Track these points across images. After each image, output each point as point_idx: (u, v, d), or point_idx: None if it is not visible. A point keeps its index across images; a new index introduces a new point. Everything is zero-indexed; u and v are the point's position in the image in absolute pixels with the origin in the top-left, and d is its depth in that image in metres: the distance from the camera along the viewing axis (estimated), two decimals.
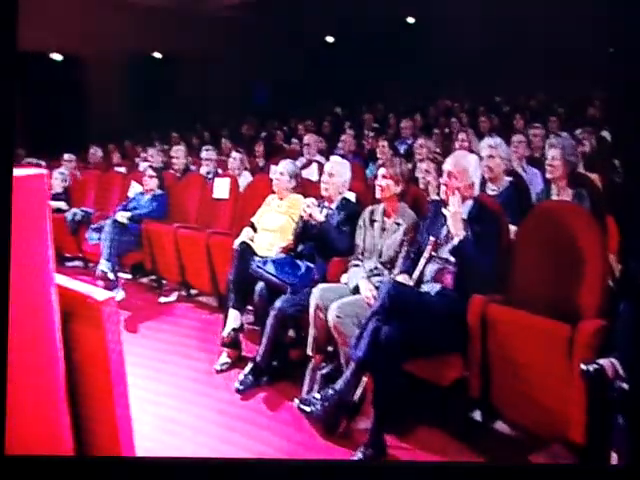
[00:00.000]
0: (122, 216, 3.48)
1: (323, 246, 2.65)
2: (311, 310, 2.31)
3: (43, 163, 4.16)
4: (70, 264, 4.13)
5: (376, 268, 2.45)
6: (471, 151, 2.89)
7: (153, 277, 3.68)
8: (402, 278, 2.24)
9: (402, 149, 4.78)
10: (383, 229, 2.53)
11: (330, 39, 10.90)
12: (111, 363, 1.84)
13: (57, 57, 6.83)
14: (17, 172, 1.87)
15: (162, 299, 3.46)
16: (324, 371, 2.30)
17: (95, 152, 5.23)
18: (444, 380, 2.09)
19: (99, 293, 1.83)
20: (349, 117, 7.01)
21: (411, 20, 9.56)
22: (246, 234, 2.93)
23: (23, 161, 4.37)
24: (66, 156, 4.66)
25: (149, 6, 7.03)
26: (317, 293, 2.33)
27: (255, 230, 2.99)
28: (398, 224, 2.49)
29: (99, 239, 3.42)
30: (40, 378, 1.80)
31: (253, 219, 3.04)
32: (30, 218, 1.74)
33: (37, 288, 1.78)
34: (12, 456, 1.83)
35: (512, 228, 2.36)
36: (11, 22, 2.20)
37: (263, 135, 5.93)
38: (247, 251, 2.73)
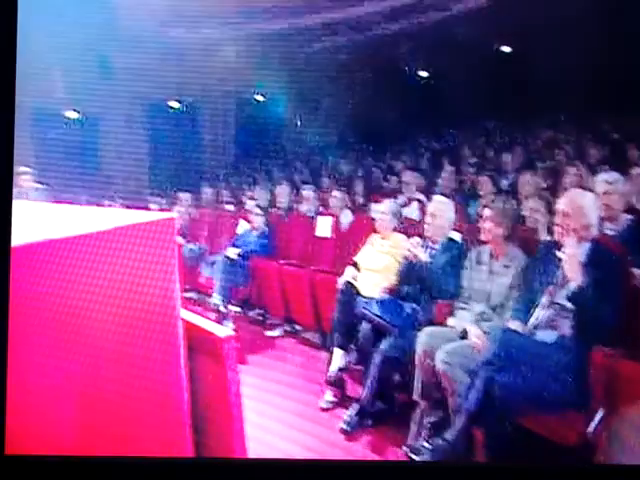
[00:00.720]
0: (232, 252, 3.73)
1: (428, 287, 2.65)
2: (417, 354, 2.30)
3: (164, 201, 4.61)
4: (186, 295, 4.46)
5: (485, 312, 2.39)
6: (583, 187, 2.76)
7: (260, 311, 3.86)
8: (515, 325, 2.17)
9: (505, 185, 4.66)
10: (491, 272, 2.47)
11: (424, 73, 10.96)
12: (229, 396, 1.97)
13: (175, 105, 7.53)
14: (148, 215, 2.09)
15: (268, 333, 3.62)
16: (432, 419, 2.26)
17: (206, 191, 5.68)
18: (563, 439, 1.96)
19: (220, 330, 1.98)
20: (447, 152, 6.96)
21: (507, 49, 9.37)
22: (350, 273, 2.99)
23: (149, 199, 4.81)
24: (181, 195, 5.10)
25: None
26: (423, 337, 2.32)
27: (358, 269, 3.05)
28: (507, 267, 2.42)
29: (212, 273, 3.68)
30: (166, 402, 1.96)
31: (356, 258, 3.11)
32: (160, 258, 1.93)
33: (165, 321, 1.96)
34: (12, 456, 1.95)
35: (636, 272, 2.21)
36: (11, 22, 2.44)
37: (361, 173, 6.07)
38: (351, 291, 2.79)
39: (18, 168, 4.57)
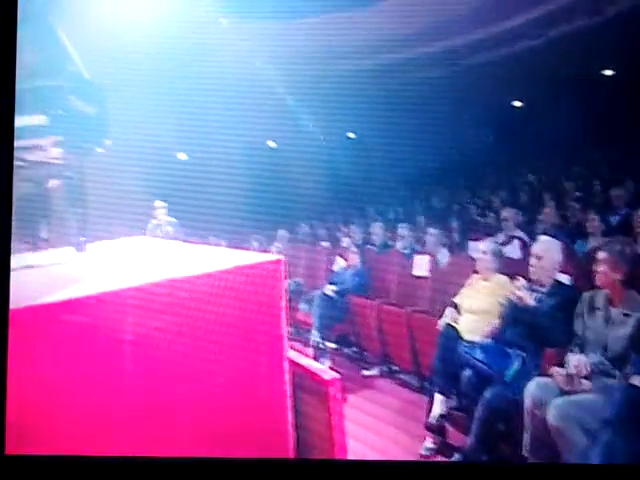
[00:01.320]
0: (329, 289, 3.82)
1: (535, 334, 2.53)
2: (526, 406, 2.19)
3: (263, 238, 4.86)
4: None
5: (602, 364, 2.23)
6: None
7: (356, 349, 3.89)
8: (638, 381, 2.00)
9: (615, 222, 4.35)
10: (608, 319, 2.31)
11: (518, 103, 10.62)
12: (333, 437, 2.00)
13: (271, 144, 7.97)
14: (256, 256, 2.22)
15: (365, 372, 3.63)
16: None
17: (302, 228, 5.90)
18: None
19: (326, 373, 2.03)
20: (547, 186, 6.65)
21: (609, 72, 8.84)
22: (450, 315, 2.94)
23: (251, 236, 5.09)
24: (280, 232, 5.34)
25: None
26: (532, 387, 2.21)
27: (459, 311, 2.99)
28: (627, 315, 2.25)
29: (309, 309, 3.79)
30: (271, 438, 2.03)
31: (456, 300, 3.05)
32: (268, 299, 2.04)
33: (272, 361, 2.05)
34: (12, 456, 1.99)
35: None
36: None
37: (456, 209, 5.97)
38: (452, 334, 2.73)
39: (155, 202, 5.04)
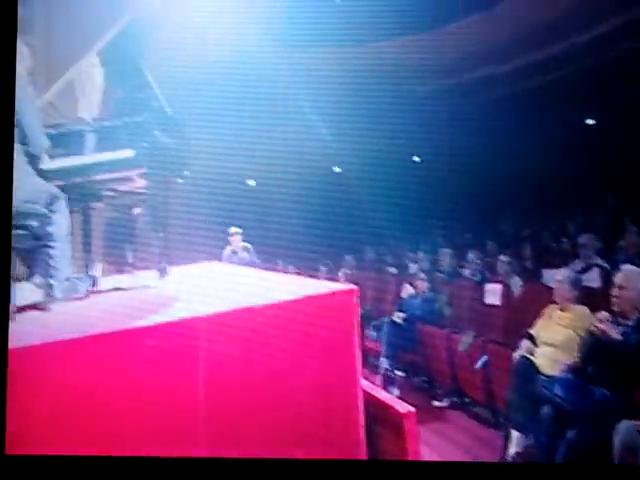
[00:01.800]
0: (398, 317, 3.78)
1: (622, 371, 2.38)
2: (616, 450, 2.06)
3: (330, 263, 4.91)
4: None
5: None
6: None
7: (425, 379, 3.81)
8: None
9: None
10: None
11: (591, 121, 10.15)
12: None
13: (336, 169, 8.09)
14: (330, 286, 2.24)
15: (435, 403, 3.54)
16: None
17: (369, 254, 5.91)
18: None
19: (401, 405, 2.01)
20: (627, 209, 6.27)
21: None
22: (526, 347, 2.82)
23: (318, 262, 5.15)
24: (347, 258, 5.38)
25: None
26: (623, 430, 2.07)
27: (535, 343, 2.86)
28: None
29: (378, 337, 3.77)
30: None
31: (532, 331, 2.93)
32: (343, 328, 2.05)
33: (346, 391, 2.06)
34: (12, 456, 1.97)
35: None
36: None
37: (527, 234, 5.77)
38: (529, 367, 2.63)
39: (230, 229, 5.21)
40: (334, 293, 1.98)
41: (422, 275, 4.09)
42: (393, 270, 5.23)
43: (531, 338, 2.91)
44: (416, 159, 8.60)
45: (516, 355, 2.76)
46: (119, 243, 3.41)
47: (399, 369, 3.86)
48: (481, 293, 3.73)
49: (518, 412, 2.52)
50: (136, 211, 3.37)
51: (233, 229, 4.98)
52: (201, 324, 1.79)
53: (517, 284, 3.77)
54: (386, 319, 3.85)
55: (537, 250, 4.79)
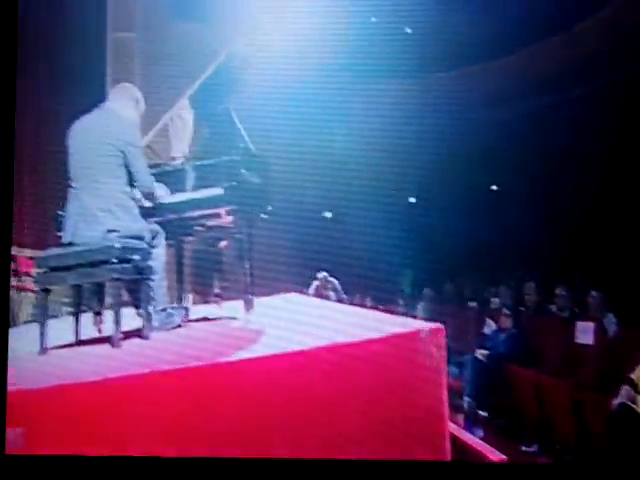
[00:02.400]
0: (481, 354, 3.65)
1: None
2: None
3: (408, 296, 4.86)
4: None
5: None
6: None
7: (511, 420, 3.63)
8: None
9: None
10: None
11: None
12: None
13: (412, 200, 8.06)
14: (416, 324, 2.21)
15: (523, 448, 3.36)
16: None
17: (448, 287, 5.78)
18: None
19: (494, 453, 1.94)
20: None
21: None
22: (626, 394, 2.63)
23: (399, 300, 5.11)
24: (425, 291, 5.30)
25: None
26: None
27: (637, 390, 2.66)
28: None
29: (459, 374, 3.65)
30: None
31: (633, 376, 2.73)
32: (430, 367, 2.03)
33: (433, 429, 2.02)
34: (12, 455, 1.91)
35: None
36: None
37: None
38: (630, 416, 2.44)
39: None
40: (422, 331, 1.96)
41: (506, 310, 3.94)
42: (473, 304, 5.07)
43: (632, 384, 2.70)
44: (494, 188, 8.36)
45: (615, 402, 2.57)
46: (207, 275, 3.60)
47: (483, 409, 3.70)
48: (571, 331, 3.53)
49: (619, 464, 2.34)
50: (223, 244, 3.56)
51: (321, 274, 4.98)
52: (291, 359, 1.84)
53: (612, 322, 3.53)
54: (468, 356, 3.73)
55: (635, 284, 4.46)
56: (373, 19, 7.93)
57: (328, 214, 7.05)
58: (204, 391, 1.78)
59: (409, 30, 7.88)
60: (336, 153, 6.55)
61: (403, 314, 3.95)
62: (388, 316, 2.60)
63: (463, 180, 7.15)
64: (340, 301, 4.33)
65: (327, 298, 4.68)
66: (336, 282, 4.89)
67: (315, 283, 4.90)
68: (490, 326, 4.04)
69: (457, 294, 5.81)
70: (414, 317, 4.08)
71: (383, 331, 2.00)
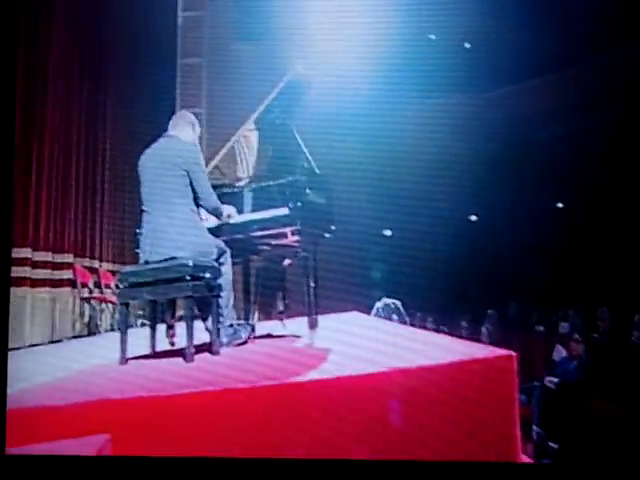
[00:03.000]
0: (550, 382, 3.49)
1: None
2: None
3: (471, 318, 4.73)
4: None
5: None
6: None
7: (584, 452, 3.43)
8: None
9: None
10: None
11: None
12: None
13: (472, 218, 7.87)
14: (485, 349, 2.14)
15: None
16: None
17: (513, 309, 5.58)
18: None
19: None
20: None
21: None
22: None
23: (462, 322, 4.98)
24: (490, 312, 5.14)
25: None
26: None
27: None
28: None
29: (528, 402, 3.50)
30: None
31: None
32: (501, 395, 1.96)
33: (504, 459, 1.95)
34: (12, 455, 1.85)
35: None
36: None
37: None
38: None
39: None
40: (493, 358, 1.91)
41: (577, 336, 3.75)
42: (540, 328, 4.85)
43: None
44: (560, 205, 8.02)
45: None
46: (270, 292, 3.67)
47: (553, 440, 3.52)
48: None
49: None
50: (286, 262, 3.62)
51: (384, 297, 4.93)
52: (361, 382, 1.84)
53: None
54: (537, 383, 3.57)
55: None
56: (432, 36, 7.93)
57: (388, 232, 7.02)
58: (276, 410, 1.81)
59: (468, 45, 7.81)
60: (396, 171, 6.53)
61: (467, 337, 3.84)
62: (456, 340, 2.54)
63: (528, 197, 6.92)
64: (403, 323, 4.26)
65: (389, 319, 4.62)
66: (399, 304, 4.82)
67: (378, 305, 4.85)
68: (560, 352, 3.86)
69: (523, 317, 5.58)
70: (478, 340, 3.96)
71: (452, 355, 1.96)
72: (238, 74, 6.74)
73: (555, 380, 3.53)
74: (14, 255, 4.46)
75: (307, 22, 7.13)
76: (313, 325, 2.93)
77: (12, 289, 4.34)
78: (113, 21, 6.27)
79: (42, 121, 4.93)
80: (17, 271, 4.53)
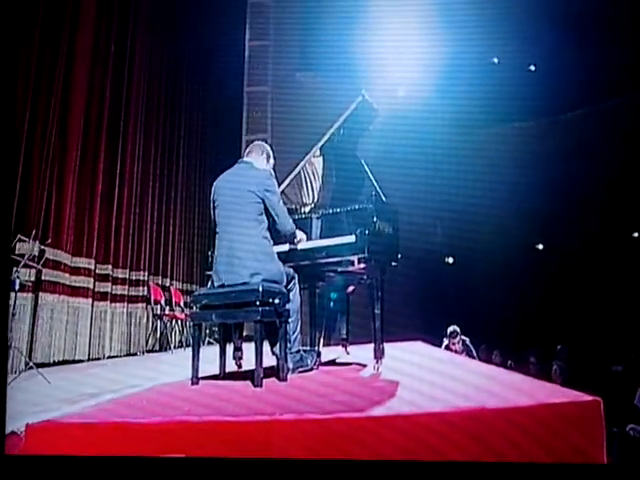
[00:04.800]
0: (633, 429, 3.24)
1: None
2: None
3: (541, 352, 4.51)
4: None
5: None
6: None
7: None
8: None
9: None
10: None
11: None
12: None
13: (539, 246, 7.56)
14: (568, 392, 2.00)
15: None
16: None
17: (585, 345, 5.26)
18: None
19: None
20: None
21: None
22: None
23: (530, 358, 4.75)
24: (560, 347, 4.88)
25: None
26: None
27: None
28: None
29: (609, 451, 3.26)
30: None
31: None
32: (587, 443, 1.83)
33: None
34: (12, 456, 1.81)
35: None
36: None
37: None
38: None
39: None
40: (578, 403, 1.80)
41: None
42: (618, 368, 4.54)
43: None
44: (636, 234, 7.54)
45: None
46: (333, 318, 3.66)
47: None
48: None
49: None
50: (350, 289, 3.61)
51: (451, 328, 4.79)
52: (432, 420, 1.79)
53: None
54: (615, 429, 3.32)
55: None
56: (495, 60, 7.82)
57: (450, 259, 6.89)
58: (349, 443, 1.79)
59: (532, 67, 7.64)
60: (459, 200, 6.42)
61: (536, 374, 3.65)
62: (528, 379, 2.42)
63: (599, 228, 6.59)
64: (471, 357, 4.11)
65: (457, 352, 4.48)
66: (467, 340, 4.63)
67: (447, 341, 4.68)
68: None
69: (598, 354, 5.25)
70: (548, 378, 3.75)
71: (532, 396, 1.87)
72: (302, 102, 6.91)
73: (638, 428, 3.28)
74: (98, 271, 4.79)
75: (369, 51, 7.25)
76: (379, 355, 2.89)
77: (95, 302, 4.67)
78: (184, 53, 6.65)
79: (124, 158, 5.31)
80: (100, 286, 4.83)
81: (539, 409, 1.79)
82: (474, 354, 4.34)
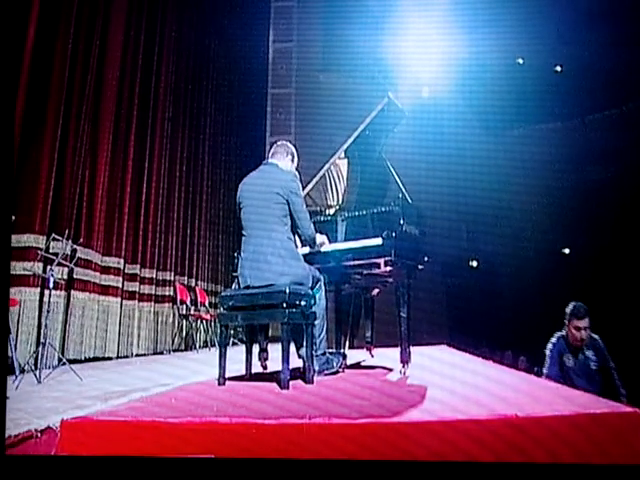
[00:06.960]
0: None
1: None
2: None
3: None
4: None
5: None
6: None
7: None
8: None
9: None
10: None
11: None
12: None
13: (565, 251, 7.43)
14: (609, 404, 1.92)
15: None
16: None
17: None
18: None
19: None
20: None
21: None
22: None
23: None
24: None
25: None
26: None
27: None
28: None
29: None
30: None
31: None
32: (626, 456, 1.78)
33: None
34: (12, 456, 1.78)
35: None
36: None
37: None
38: None
39: None
40: (618, 414, 1.76)
41: None
42: None
43: None
44: None
45: None
46: (358, 321, 3.65)
47: None
48: None
49: None
50: (375, 292, 3.59)
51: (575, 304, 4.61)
52: (467, 425, 1.77)
53: None
54: None
55: None
56: (520, 60, 7.71)
57: (474, 263, 6.82)
58: (380, 447, 1.79)
59: (558, 68, 7.49)
60: (484, 203, 6.35)
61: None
62: (570, 390, 2.37)
63: (630, 232, 6.42)
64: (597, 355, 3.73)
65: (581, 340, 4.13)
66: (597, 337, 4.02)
67: (568, 322, 4.01)
68: None
69: (630, 360, 5.12)
70: (573, 385, 3.64)
71: (572, 407, 1.83)
72: (326, 103, 6.91)
73: None
74: (127, 271, 4.89)
75: (393, 51, 7.21)
76: (406, 359, 2.87)
77: (124, 301, 4.77)
78: (209, 56, 6.72)
79: (151, 160, 5.40)
80: (129, 285, 4.93)
81: (578, 418, 1.75)
82: (605, 353, 3.72)
